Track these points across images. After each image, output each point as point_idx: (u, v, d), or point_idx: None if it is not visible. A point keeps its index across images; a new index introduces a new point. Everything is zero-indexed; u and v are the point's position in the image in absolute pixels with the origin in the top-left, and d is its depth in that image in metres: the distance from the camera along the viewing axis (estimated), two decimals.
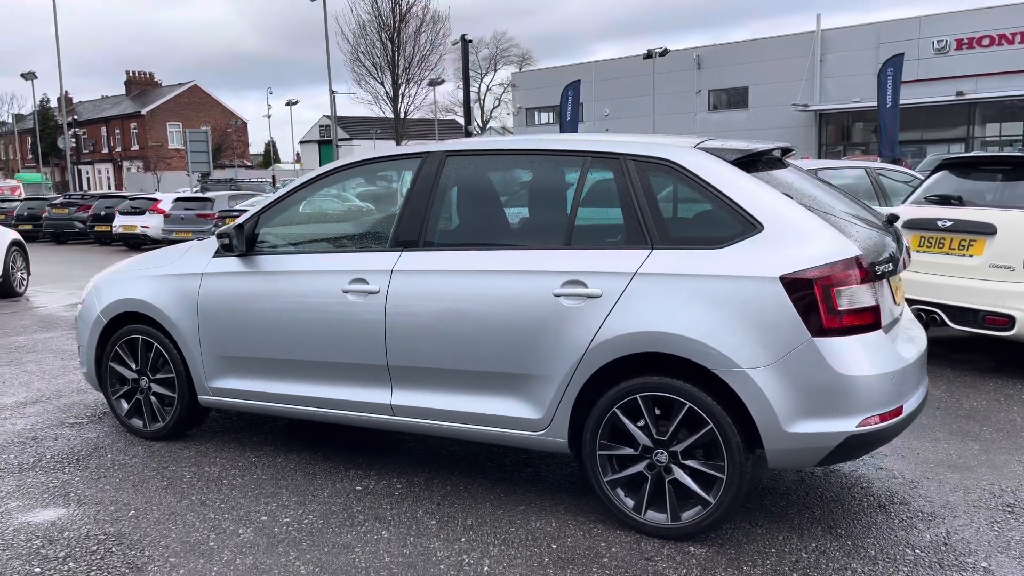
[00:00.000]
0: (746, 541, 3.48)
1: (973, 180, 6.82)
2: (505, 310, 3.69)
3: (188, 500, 3.94)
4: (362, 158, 4.35)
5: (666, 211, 3.59)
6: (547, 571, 3.24)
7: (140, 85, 65.90)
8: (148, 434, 4.82)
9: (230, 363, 4.45)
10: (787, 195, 3.47)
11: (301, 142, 66.44)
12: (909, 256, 3.95)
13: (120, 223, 20.99)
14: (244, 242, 4.34)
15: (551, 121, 44.85)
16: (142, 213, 20.68)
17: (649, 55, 37.35)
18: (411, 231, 4.00)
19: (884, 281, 3.54)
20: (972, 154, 7.20)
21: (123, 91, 66.92)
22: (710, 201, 3.49)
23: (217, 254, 4.45)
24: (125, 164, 61.50)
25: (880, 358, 3.31)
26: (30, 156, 65.21)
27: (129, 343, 4.77)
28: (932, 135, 34.00)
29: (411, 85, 42.92)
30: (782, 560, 3.31)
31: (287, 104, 48.18)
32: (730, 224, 3.43)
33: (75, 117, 59.18)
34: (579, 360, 3.54)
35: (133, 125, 61.68)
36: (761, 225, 3.37)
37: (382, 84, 42.39)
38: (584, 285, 3.55)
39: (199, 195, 21.19)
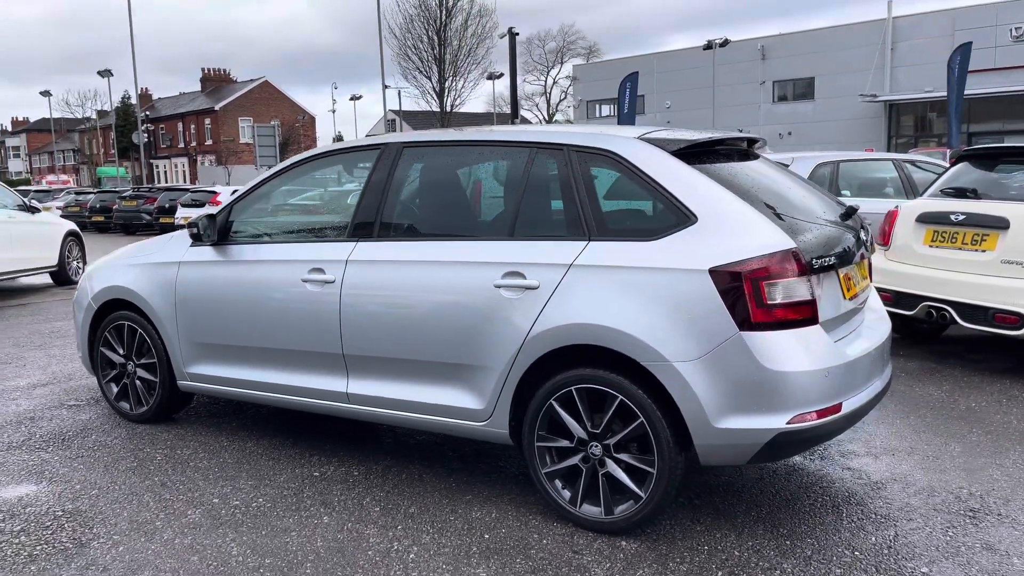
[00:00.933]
0: (681, 537, 3.42)
1: (995, 172, 6.52)
2: (450, 300, 3.71)
3: (151, 481, 4.08)
4: (326, 149, 4.43)
5: (606, 202, 3.55)
6: (471, 560, 3.25)
7: (214, 82, 67.92)
8: (134, 417, 5.00)
9: (205, 350, 4.58)
10: (730, 187, 3.39)
11: (367, 136, 67.55)
12: (869, 249, 3.81)
13: (181, 215, 21.99)
14: (216, 231, 4.46)
15: (611, 114, 44.47)
16: (201, 205, 21.49)
17: (709, 46, 36.68)
18: (366, 221, 4.05)
19: (832, 274, 3.43)
20: (993, 144, 6.87)
21: (199, 87, 69.05)
22: (648, 192, 3.45)
23: (193, 243, 4.58)
24: (199, 158, 63.51)
25: (815, 354, 3.21)
26: (112, 151, 67.83)
27: (117, 329, 4.96)
28: (1013, 125, 32.49)
29: (458, 79, 43.11)
30: (711, 558, 3.25)
31: (351, 99, 49.01)
32: (665, 216, 3.38)
33: (147, 113, 61.26)
34: (517, 351, 3.53)
35: (207, 120, 63.63)
36: (695, 217, 3.30)
37: (429, 79, 42.70)
38: (523, 276, 3.54)
39: None
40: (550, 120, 73.53)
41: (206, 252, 4.54)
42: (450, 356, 3.73)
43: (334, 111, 47.95)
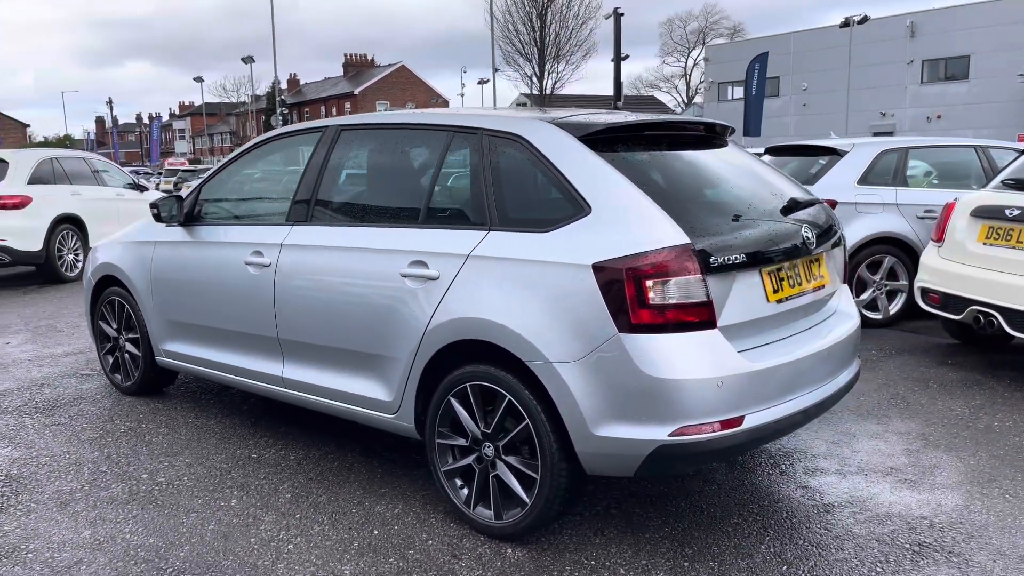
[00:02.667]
0: (573, 549, 3.20)
1: None
2: (362, 289, 3.63)
3: (100, 453, 4.23)
4: (280, 132, 4.41)
5: (510, 190, 3.34)
6: (344, 556, 3.16)
7: (356, 66, 70.41)
8: (124, 389, 5.21)
9: (174, 327, 4.70)
10: (641, 177, 3.11)
11: None
12: (811, 244, 3.39)
13: None
14: (181, 212, 4.55)
15: (742, 96, 42.75)
16: None
17: (846, 23, 34.50)
18: (302, 205, 4.01)
19: (752, 274, 3.09)
20: None
21: (341, 72, 71.77)
22: (549, 180, 3.21)
23: (168, 224, 4.68)
24: None
25: (706, 361, 2.90)
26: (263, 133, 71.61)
27: (110, 304, 5.17)
28: None
29: (559, 61, 42.43)
30: (594, 573, 3.02)
31: (478, 83, 49.43)
32: (563, 206, 3.14)
33: (282, 98, 64.02)
34: (419, 344, 3.40)
35: (347, 104, 66.05)
36: (589, 208, 3.05)
37: (530, 61, 42.27)
38: (426, 266, 3.40)
39: None
40: (688, 104, 71.61)
41: (177, 232, 4.64)
42: (364, 345, 3.64)
43: (462, 95, 48.48)
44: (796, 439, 4.32)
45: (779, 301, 3.22)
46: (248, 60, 43.98)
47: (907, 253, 7.00)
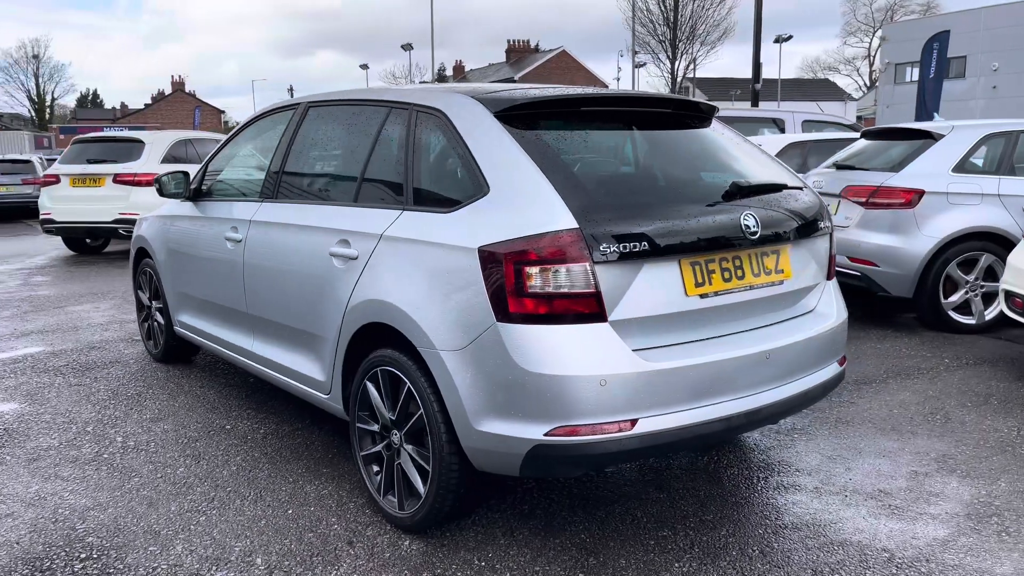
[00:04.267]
0: (471, 547, 3.02)
1: None
2: (300, 267, 3.61)
3: (97, 414, 4.46)
4: (267, 109, 4.45)
5: (427, 168, 3.18)
6: (245, 533, 3.13)
7: (518, 52, 70.95)
8: (153, 356, 5.49)
9: (182, 298, 4.89)
10: (553, 157, 2.86)
11: None
12: (753, 233, 3.00)
13: None
14: (188, 188, 4.71)
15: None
16: None
17: None
18: (271, 182, 4.04)
19: (667, 264, 2.79)
20: None
21: (504, 59, 72.68)
22: (459, 157, 3.03)
23: (170, 198, 4.87)
24: None
25: (589, 357, 2.64)
26: None
27: (144, 274, 5.46)
28: None
29: (694, 42, 40.39)
30: (481, 573, 2.85)
31: (635, 67, 48.35)
32: (466, 185, 2.96)
33: (422, 82, 65.39)
34: (340, 325, 3.34)
35: None
36: (488, 188, 2.86)
37: (662, 43, 40.50)
38: (348, 245, 3.32)
39: None
40: (871, 87, 67.14)
41: (186, 207, 4.82)
42: (303, 323, 3.63)
43: (618, 79, 47.23)
44: (788, 451, 3.91)
45: (704, 296, 2.88)
46: (407, 47, 45.41)
47: (1009, 250, 6.17)
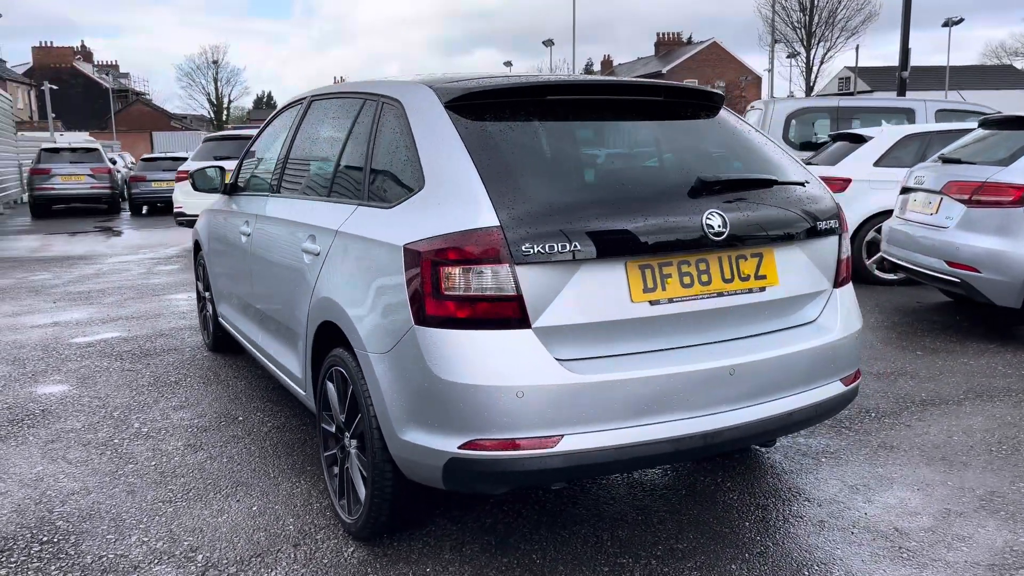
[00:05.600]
0: (414, 560, 2.87)
1: None
2: (282, 261, 3.61)
3: (131, 400, 4.63)
4: (287, 102, 4.45)
5: (382, 161, 3.04)
6: (200, 530, 3.12)
7: (667, 45, 69.43)
8: (207, 345, 5.67)
9: (219, 289, 5.01)
10: (491, 150, 2.64)
11: (817, 95, 63.12)
12: (718, 235, 2.66)
13: None
14: (222, 183, 4.80)
15: None
16: None
17: None
18: (276, 177, 4.04)
19: (612, 267, 2.53)
20: None
21: (652, 52, 71.42)
22: (406, 149, 2.88)
23: (203, 192, 4.97)
24: None
25: (506, 366, 2.42)
26: None
27: (201, 265, 5.65)
28: None
29: (834, 28, 37.37)
30: None
31: (788, 56, 46.04)
32: (409, 179, 2.81)
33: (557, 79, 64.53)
34: (306, 322, 3.28)
35: None
36: (424, 182, 2.69)
37: (797, 30, 37.71)
38: (315, 240, 3.25)
39: None
40: None
41: (223, 202, 4.93)
42: (285, 319, 3.61)
43: (770, 70, 44.71)
44: (807, 476, 3.51)
45: (655, 303, 2.59)
46: (548, 43, 45.42)
47: None
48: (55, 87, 45.28)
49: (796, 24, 40.27)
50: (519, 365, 2.42)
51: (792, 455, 3.74)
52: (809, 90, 40.50)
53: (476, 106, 2.80)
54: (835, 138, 9.23)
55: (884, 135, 8.52)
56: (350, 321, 2.81)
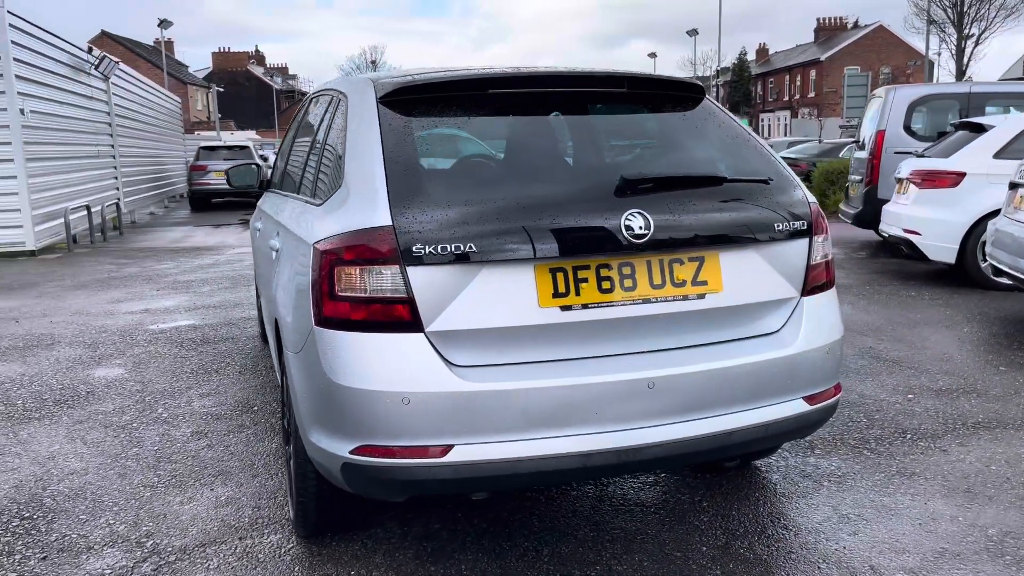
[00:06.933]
0: (346, 562, 2.83)
1: None
2: (263, 256, 3.68)
3: (168, 386, 4.87)
4: (308, 97, 4.52)
5: (328, 157, 3.01)
6: (175, 519, 3.22)
7: (828, 31, 65.90)
8: (260, 335, 5.89)
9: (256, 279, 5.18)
10: (408, 147, 2.56)
11: (1000, 80, 57.94)
12: (639, 237, 2.45)
13: None
14: (257, 180, 4.94)
15: None
16: None
17: None
18: (277, 174, 4.13)
19: (520, 269, 2.39)
20: None
21: (812, 39, 68.03)
22: (341, 144, 2.84)
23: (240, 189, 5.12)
24: (800, 111, 62.91)
25: (393, 371, 2.33)
26: (726, 105, 71.47)
27: None
28: None
29: (990, 7, 33.23)
30: None
31: (962, 39, 42.20)
32: (338, 176, 2.77)
33: (722, 72, 62.20)
34: (275, 319, 3.32)
35: (812, 72, 62.40)
36: (343, 180, 2.65)
37: (946, 9, 33.88)
38: (277, 236, 3.29)
39: None
40: None
41: (262, 199, 5.08)
42: (266, 313, 3.68)
43: (939, 54, 40.96)
44: (797, 501, 3.20)
45: (566, 308, 2.42)
46: (692, 33, 44.19)
47: None
48: (222, 89, 48.68)
49: (946, 3, 36.77)
50: (408, 370, 2.34)
51: (793, 476, 3.43)
52: (961, 74, 36.98)
53: (408, 101, 2.72)
54: (957, 127, 8.42)
55: (1008, 123, 7.68)
56: (283, 318, 2.82)
